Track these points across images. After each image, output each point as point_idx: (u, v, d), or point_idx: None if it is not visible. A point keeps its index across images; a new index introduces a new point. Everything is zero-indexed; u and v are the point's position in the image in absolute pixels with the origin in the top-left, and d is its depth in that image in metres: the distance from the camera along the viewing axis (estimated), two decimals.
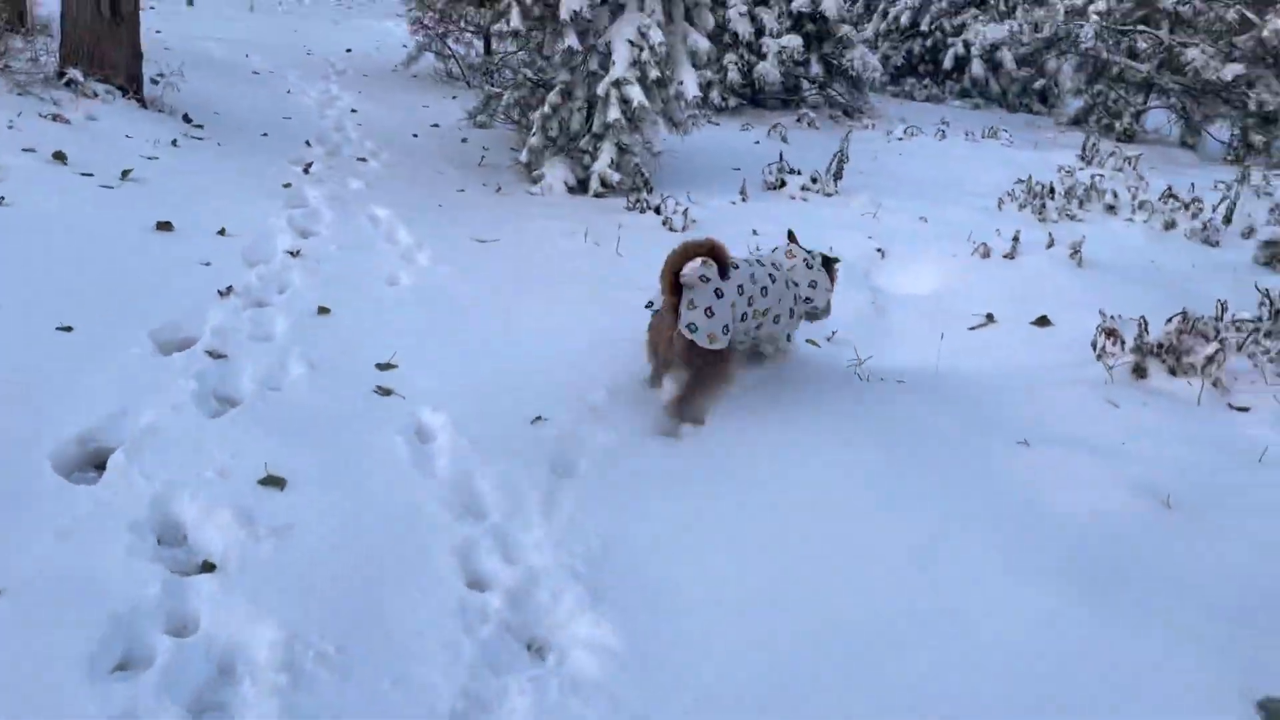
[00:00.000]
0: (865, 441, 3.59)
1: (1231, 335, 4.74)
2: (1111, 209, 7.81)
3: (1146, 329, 4.54)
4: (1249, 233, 7.48)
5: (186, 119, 8.00)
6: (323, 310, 4.49)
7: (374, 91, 10.80)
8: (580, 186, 7.53)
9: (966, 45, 15.42)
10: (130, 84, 7.93)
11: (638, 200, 6.83)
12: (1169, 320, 4.53)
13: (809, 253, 4.19)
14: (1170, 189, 8.29)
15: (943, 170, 9.69)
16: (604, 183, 7.43)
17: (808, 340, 4.85)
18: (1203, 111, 12.47)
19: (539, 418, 3.60)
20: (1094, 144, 10.12)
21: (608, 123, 7.35)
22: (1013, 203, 7.82)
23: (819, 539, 3.01)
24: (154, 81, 8.70)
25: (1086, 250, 6.27)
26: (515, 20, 7.26)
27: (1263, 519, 3.22)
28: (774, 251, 4.22)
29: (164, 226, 5.20)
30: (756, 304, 3.72)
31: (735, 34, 11.91)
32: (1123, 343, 4.55)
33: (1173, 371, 4.38)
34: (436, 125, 9.28)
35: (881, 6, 17.08)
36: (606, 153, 7.51)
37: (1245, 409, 4.14)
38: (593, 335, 4.38)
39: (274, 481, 3.01)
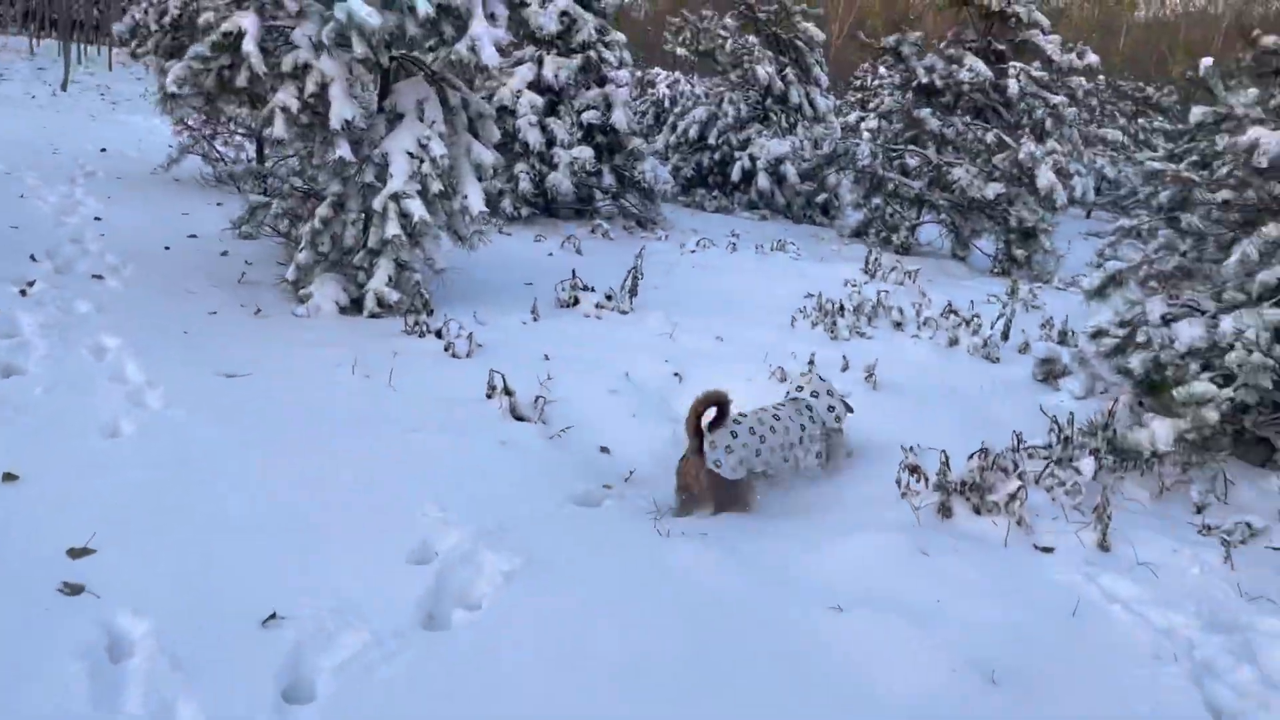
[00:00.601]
0: (668, 623, 3.14)
1: (1027, 466, 4.67)
2: (899, 325, 7.92)
3: (949, 465, 4.37)
4: (1024, 348, 7.74)
5: None
6: (9, 477, 3.64)
7: (126, 197, 9.76)
8: (354, 306, 6.89)
9: (752, 159, 15.91)
10: None
11: (416, 323, 6.26)
12: (971, 456, 4.39)
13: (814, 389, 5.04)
14: (950, 305, 8.54)
15: (735, 284, 9.66)
16: (380, 302, 6.83)
17: (604, 485, 4.40)
18: (970, 226, 13.24)
19: (273, 615, 2.93)
20: (875, 258, 10.44)
21: (386, 238, 6.79)
22: (805, 320, 7.79)
23: None
24: None
25: (880, 372, 6.21)
26: (280, 128, 6.64)
27: (1086, 692, 2.97)
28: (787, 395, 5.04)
29: None
30: (769, 441, 4.51)
31: (526, 144, 11.68)
32: (926, 479, 4.36)
33: (977, 510, 4.21)
34: (194, 236, 8.40)
35: (671, 120, 17.49)
36: (384, 269, 6.93)
37: (1050, 550, 3.99)
38: (349, 496, 3.75)
39: None
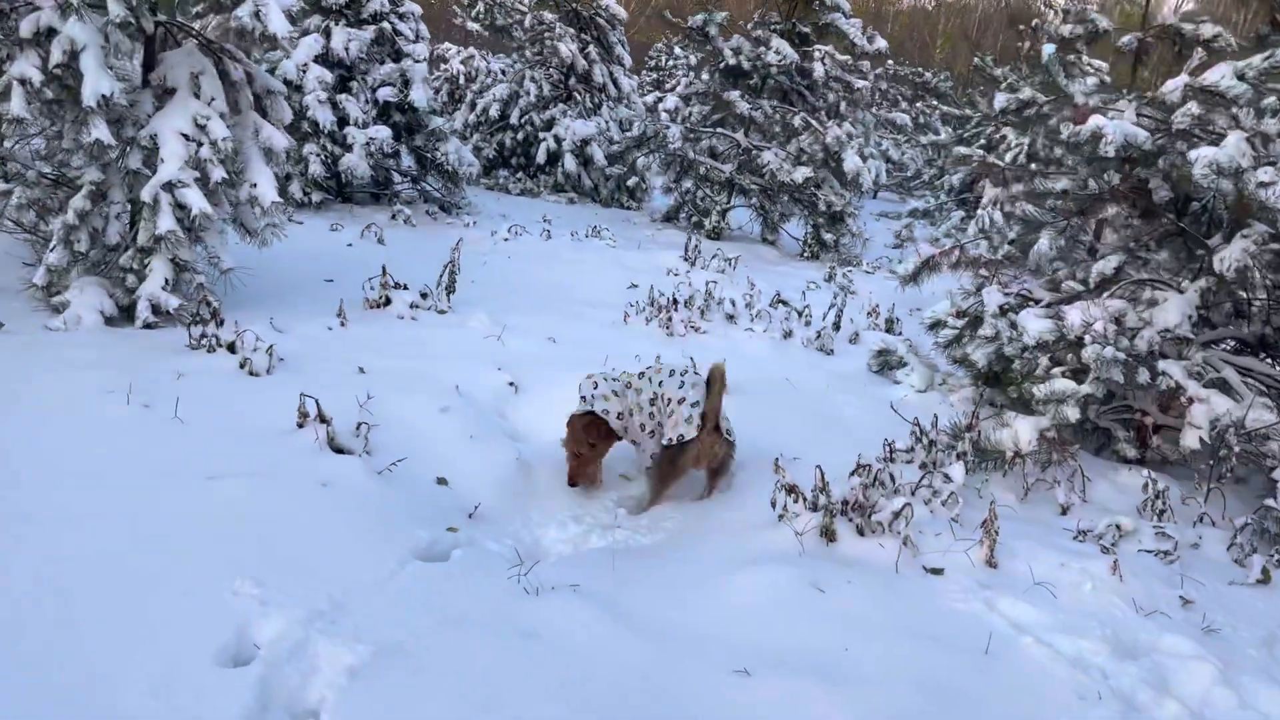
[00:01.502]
0: (545, 710, 2.61)
1: (900, 476, 4.43)
2: (731, 318, 7.65)
3: (826, 484, 4.05)
4: (855, 338, 7.66)
5: None
6: None
7: None
8: (124, 316, 5.86)
9: (558, 140, 15.36)
10: None
11: (203, 335, 5.35)
12: (852, 473, 4.08)
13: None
14: (779, 295, 8.36)
15: (555, 275, 9.14)
16: (156, 310, 5.84)
17: (449, 528, 3.79)
18: (779, 210, 13.27)
19: None
20: (696, 245, 10.18)
21: (158, 234, 5.80)
22: (638, 315, 7.37)
23: None
24: None
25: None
26: (18, 105, 5.50)
27: None
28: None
29: None
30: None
31: (315, 123, 10.62)
32: (803, 498, 4.02)
33: (860, 531, 3.91)
34: None
35: (470, 98, 16.65)
36: (159, 271, 5.93)
37: (939, 571, 3.74)
38: (134, 578, 2.98)
39: None
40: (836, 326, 7.60)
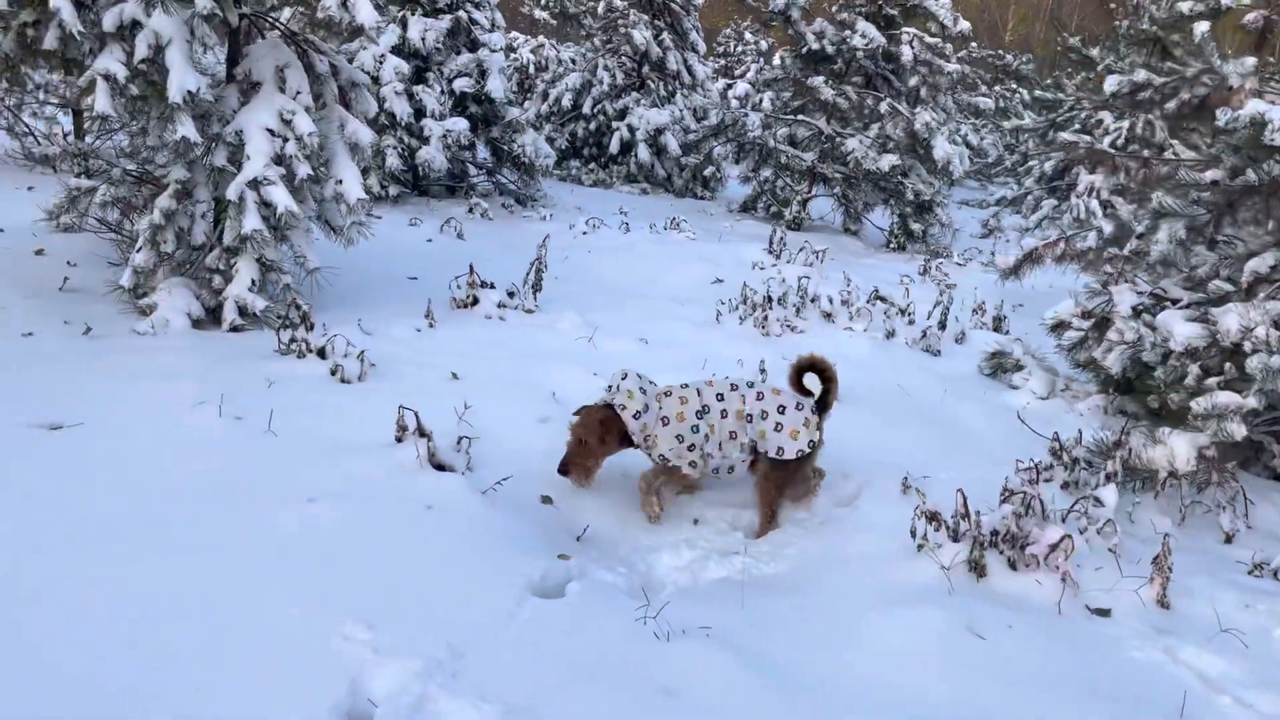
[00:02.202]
0: None
1: (1051, 502, 4.04)
2: (828, 316, 7.26)
3: (968, 511, 3.68)
4: (961, 337, 7.23)
5: None
6: None
7: None
8: (210, 318, 5.69)
9: (631, 129, 15.04)
10: None
11: (293, 340, 5.14)
12: (1002, 500, 3.71)
13: None
14: (877, 291, 7.95)
15: (637, 269, 8.84)
16: (243, 311, 5.66)
17: (559, 555, 3.51)
18: (862, 200, 12.80)
19: None
20: (781, 237, 9.79)
21: (244, 233, 5.61)
22: (730, 314, 7.02)
23: None
24: None
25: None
26: (103, 102, 5.34)
27: None
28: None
29: None
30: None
31: (392, 115, 10.44)
32: (945, 526, 3.66)
33: (1012, 564, 3.54)
34: (0, 230, 6.93)
35: (541, 88, 16.41)
36: (245, 272, 5.75)
37: (1106, 612, 3.36)
38: (232, 615, 2.74)
39: None
40: (942, 325, 7.17)
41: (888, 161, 11.82)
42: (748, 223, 12.68)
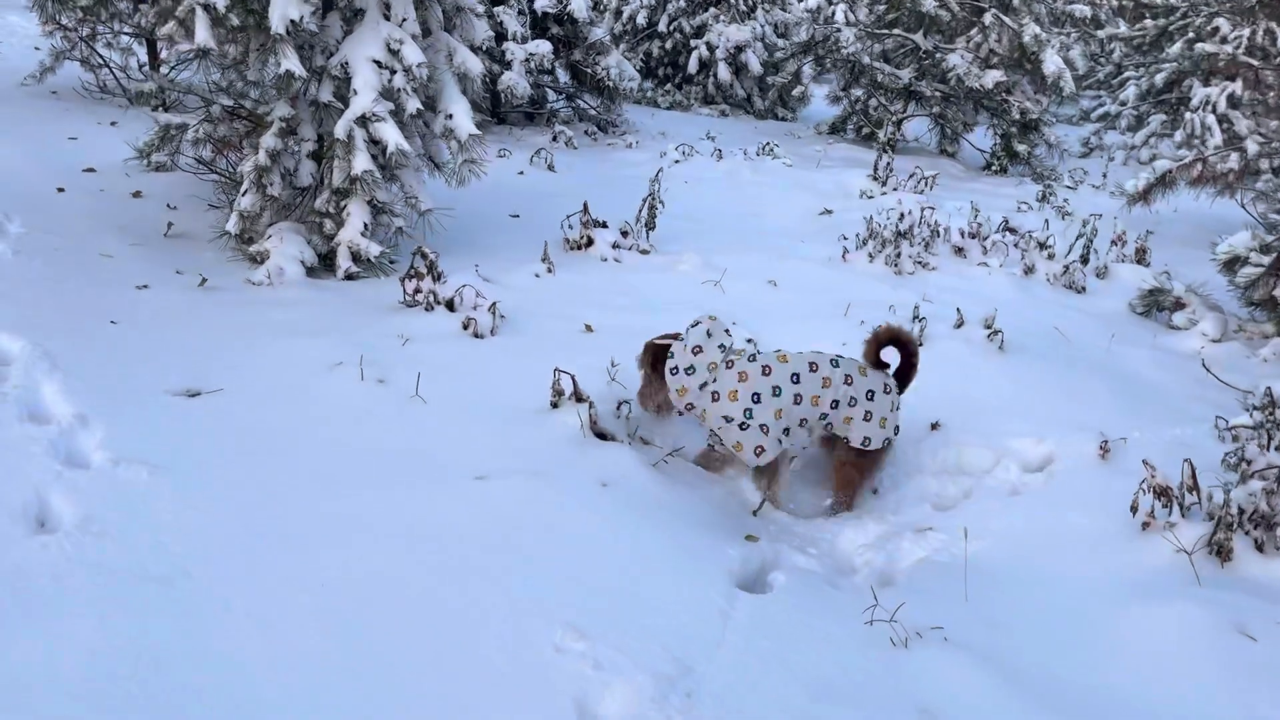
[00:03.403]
0: None
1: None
2: (960, 251, 6.78)
3: (1196, 484, 3.29)
4: (1103, 271, 6.72)
5: None
6: None
7: None
8: (324, 264, 5.40)
9: (710, 48, 14.37)
10: None
11: (417, 291, 4.83)
12: (1242, 471, 3.30)
13: None
14: (1007, 222, 7.43)
15: (740, 201, 8.39)
16: (357, 258, 5.36)
17: (747, 536, 3.20)
18: (961, 119, 12.11)
19: None
20: (888, 164, 9.22)
21: (354, 174, 5.28)
22: (858, 251, 6.57)
23: None
24: None
25: (972, 316, 5.11)
26: (203, 34, 4.98)
27: None
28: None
29: None
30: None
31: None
32: (1175, 502, 3.28)
33: (1259, 546, 3.16)
34: (91, 170, 6.64)
35: (614, 5, 15.70)
36: (357, 215, 5.43)
37: None
38: (426, 624, 2.47)
39: None
40: (1084, 259, 6.66)
41: (992, 77, 11.10)
42: (841, 147, 12.07)
